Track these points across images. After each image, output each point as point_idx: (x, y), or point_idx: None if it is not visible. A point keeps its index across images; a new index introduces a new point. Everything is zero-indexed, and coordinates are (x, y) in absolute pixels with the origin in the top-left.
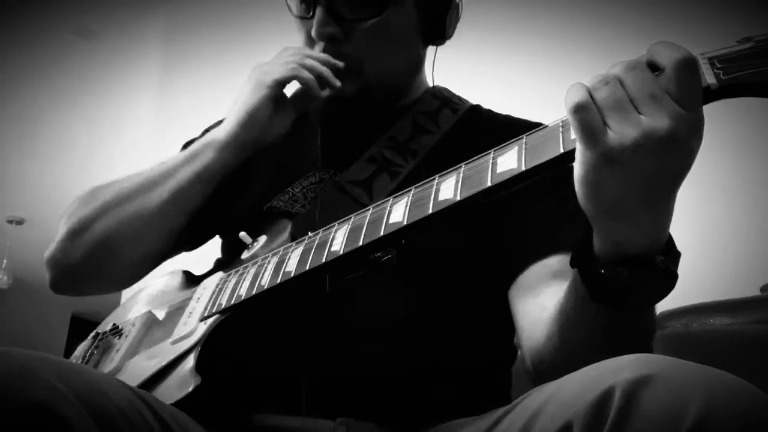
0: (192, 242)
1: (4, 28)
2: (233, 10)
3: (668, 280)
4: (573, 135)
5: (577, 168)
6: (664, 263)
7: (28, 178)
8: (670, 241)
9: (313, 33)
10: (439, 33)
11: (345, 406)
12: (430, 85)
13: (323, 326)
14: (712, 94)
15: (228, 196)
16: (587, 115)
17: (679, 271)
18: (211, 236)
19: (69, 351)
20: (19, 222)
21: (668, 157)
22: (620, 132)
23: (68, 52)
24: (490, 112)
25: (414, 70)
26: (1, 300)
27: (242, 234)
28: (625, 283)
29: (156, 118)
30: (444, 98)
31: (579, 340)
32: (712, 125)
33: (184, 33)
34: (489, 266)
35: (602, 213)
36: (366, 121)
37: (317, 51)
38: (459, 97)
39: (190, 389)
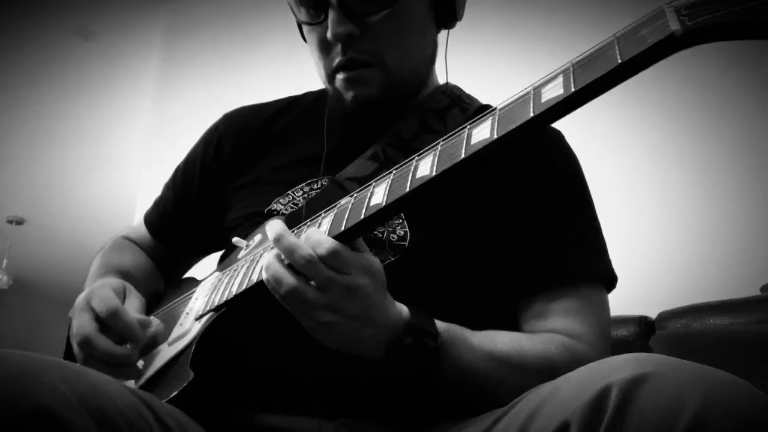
0: (210, 251)
1: (5, 29)
2: (233, 10)
3: (421, 350)
4: (545, 97)
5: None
6: (408, 339)
7: (28, 178)
8: (411, 319)
9: (329, 35)
10: (450, 15)
11: (346, 406)
12: (440, 82)
13: None
14: (677, 42)
15: (226, 209)
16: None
17: (680, 270)
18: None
19: (69, 351)
20: (19, 222)
21: (352, 302)
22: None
23: (68, 52)
24: None
25: (431, 58)
26: (1, 300)
27: (235, 239)
28: (399, 366)
29: (155, 118)
30: (454, 96)
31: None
32: (712, 127)
33: (184, 33)
34: (494, 275)
35: (343, 348)
36: (373, 118)
37: (336, 51)
38: (469, 96)
39: (184, 385)
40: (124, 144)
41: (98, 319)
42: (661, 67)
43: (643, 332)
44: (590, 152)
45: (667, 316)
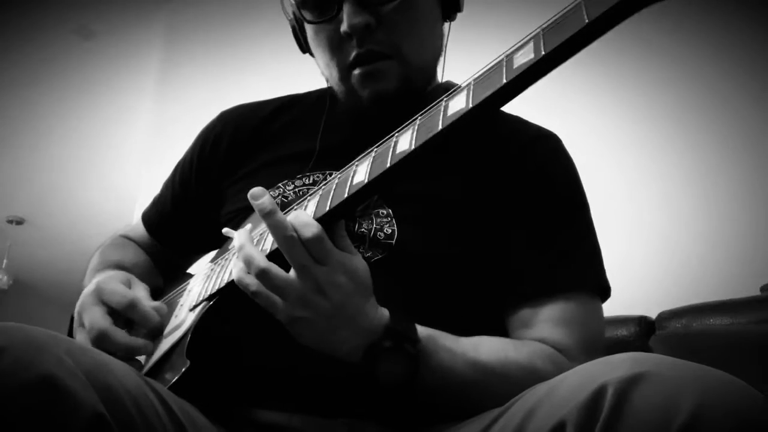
0: (208, 249)
1: (5, 29)
2: (233, 10)
3: (400, 355)
4: (516, 63)
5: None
6: (387, 344)
7: (28, 178)
8: (390, 323)
9: (344, 28)
10: (454, 5)
11: (346, 406)
12: (440, 80)
13: None
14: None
15: (221, 205)
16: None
17: (680, 270)
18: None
19: None
20: (19, 222)
21: (327, 299)
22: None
23: (68, 52)
24: (500, 113)
25: (440, 49)
26: (1, 300)
27: (225, 230)
28: (375, 371)
29: (156, 118)
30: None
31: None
32: (713, 128)
33: (184, 33)
34: (482, 278)
35: (318, 347)
36: (373, 122)
37: (350, 45)
38: None
39: (182, 371)
40: (124, 144)
41: (111, 312)
42: (663, 68)
43: (643, 332)
44: (591, 152)
45: (667, 316)
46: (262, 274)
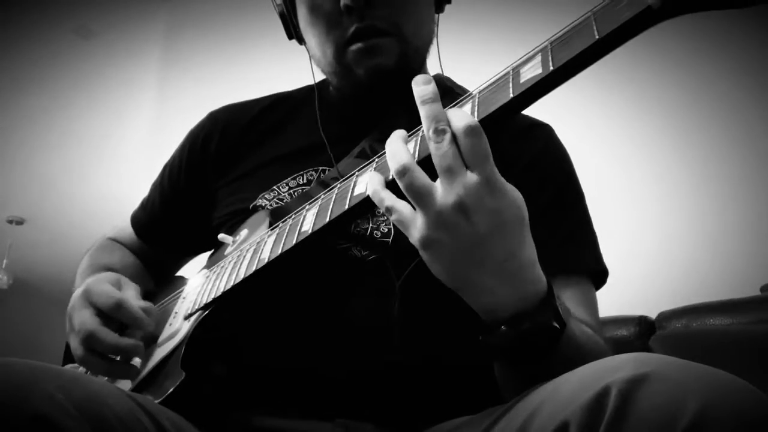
0: (199, 251)
1: (5, 28)
2: (233, 10)
3: (548, 333)
4: (524, 78)
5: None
6: (536, 322)
7: (29, 179)
8: (547, 296)
9: (345, 1)
10: None
11: (343, 407)
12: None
13: (319, 326)
14: (655, 14)
15: (212, 206)
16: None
17: (680, 270)
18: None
19: (69, 351)
20: (19, 222)
21: (470, 223)
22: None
23: (68, 52)
24: None
25: (433, 35)
26: (1, 300)
27: (221, 236)
28: (506, 343)
29: (156, 118)
30: (445, 88)
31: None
32: (714, 128)
33: (184, 33)
34: None
35: (453, 286)
36: (363, 113)
37: (349, 20)
38: (462, 88)
39: (176, 385)
40: (124, 144)
41: (100, 314)
42: (666, 66)
43: (643, 332)
44: (592, 152)
45: (667, 316)
46: (403, 172)
